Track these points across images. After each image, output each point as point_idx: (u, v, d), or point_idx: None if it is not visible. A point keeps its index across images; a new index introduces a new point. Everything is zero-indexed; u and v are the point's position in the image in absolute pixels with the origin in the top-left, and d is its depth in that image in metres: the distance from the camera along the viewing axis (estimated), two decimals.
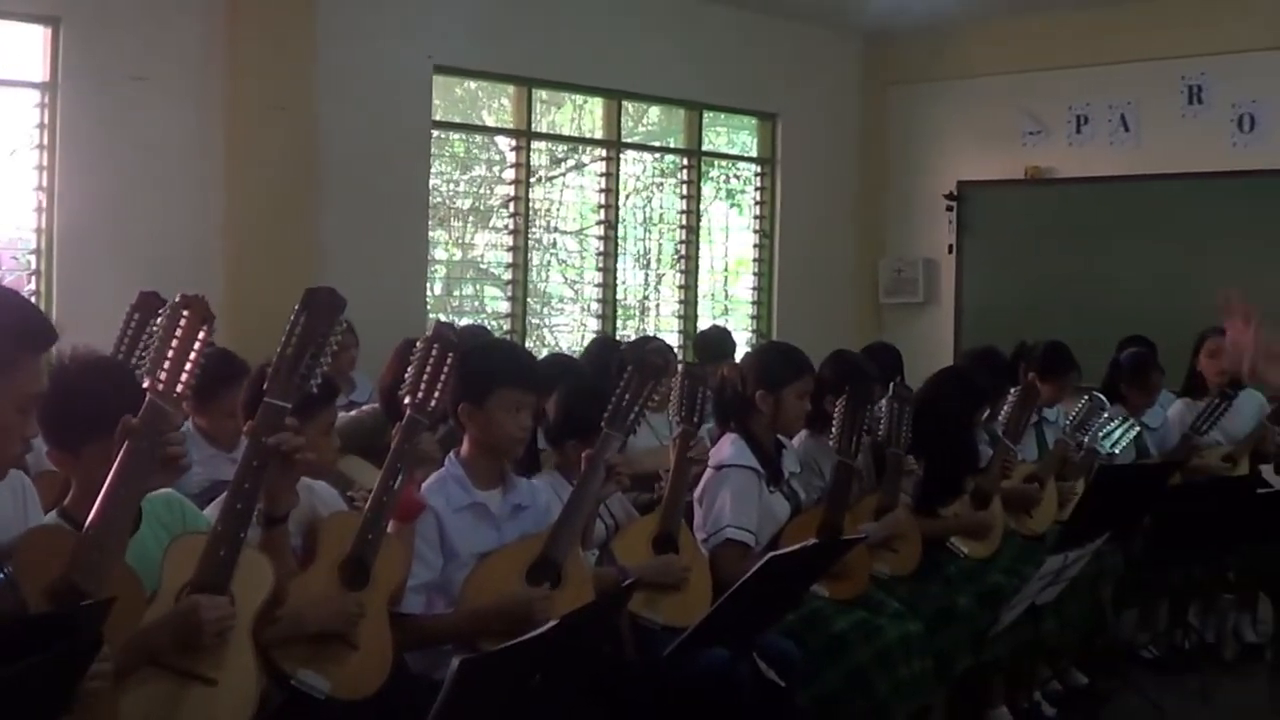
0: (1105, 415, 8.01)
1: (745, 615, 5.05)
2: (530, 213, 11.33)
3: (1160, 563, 7.89)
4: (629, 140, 12.17)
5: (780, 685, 5.31)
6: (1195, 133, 11.82)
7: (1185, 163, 11.72)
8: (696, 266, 12.57)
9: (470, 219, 11.42)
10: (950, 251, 13.02)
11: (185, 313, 3.67)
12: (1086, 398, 7.99)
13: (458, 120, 11.20)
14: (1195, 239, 11.57)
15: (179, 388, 3.63)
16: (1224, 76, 11.69)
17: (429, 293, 10.81)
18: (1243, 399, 8.54)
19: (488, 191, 11.45)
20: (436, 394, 4.43)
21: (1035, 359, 8.37)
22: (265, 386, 3.91)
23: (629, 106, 12.12)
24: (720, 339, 9.64)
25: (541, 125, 11.67)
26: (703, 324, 11.99)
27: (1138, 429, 8.33)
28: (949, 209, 12.96)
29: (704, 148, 12.72)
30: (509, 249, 11.24)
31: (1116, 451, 8.08)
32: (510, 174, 11.28)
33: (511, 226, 11.22)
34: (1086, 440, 7.92)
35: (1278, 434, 8.69)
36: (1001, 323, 11.71)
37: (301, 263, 9.27)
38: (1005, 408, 7.40)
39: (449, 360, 4.45)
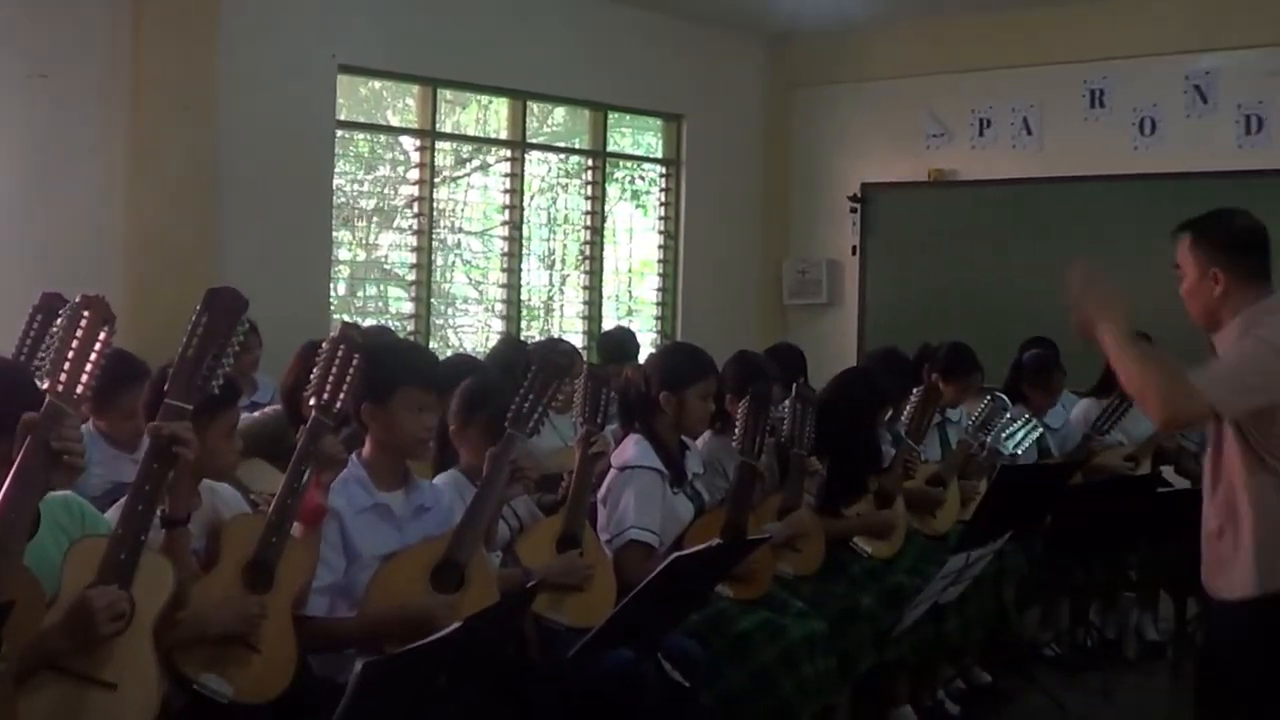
0: (1007, 416, 8.07)
1: (649, 616, 5.07)
2: (435, 213, 11.28)
3: (1062, 562, 7.96)
4: (534, 141, 12.13)
5: (684, 685, 5.33)
6: (1097, 136, 11.93)
7: (1087, 165, 11.83)
8: (601, 267, 12.56)
9: (374, 219, 11.36)
10: (854, 253, 13.06)
11: (86, 314, 3.64)
12: (989, 398, 8.05)
13: (362, 120, 11.13)
14: (1097, 241, 11.66)
15: (79, 389, 3.60)
16: (1125, 81, 11.80)
17: (333, 293, 10.74)
18: None
19: (392, 191, 11.39)
20: (341, 395, 4.41)
21: (938, 360, 8.41)
22: (166, 388, 3.89)
23: (534, 107, 12.09)
24: (624, 340, 9.64)
25: (446, 125, 11.64)
26: (607, 325, 11.98)
27: (1040, 429, 8.41)
28: (853, 211, 13.00)
29: (609, 148, 12.71)
30: (413, 249, 11.19)
31: (1019, 452, 8.15)
32: (415, 174, 11.22)
33: (416, 227, 11.17)
34: (989, 440, 7.98)
35: (1178, 435, 8.78)
36: (905, 324, 11.78)
37: (204, 263, 9.20)
38: (908, 408, 7.45)
39: (353, 361, 4.42)
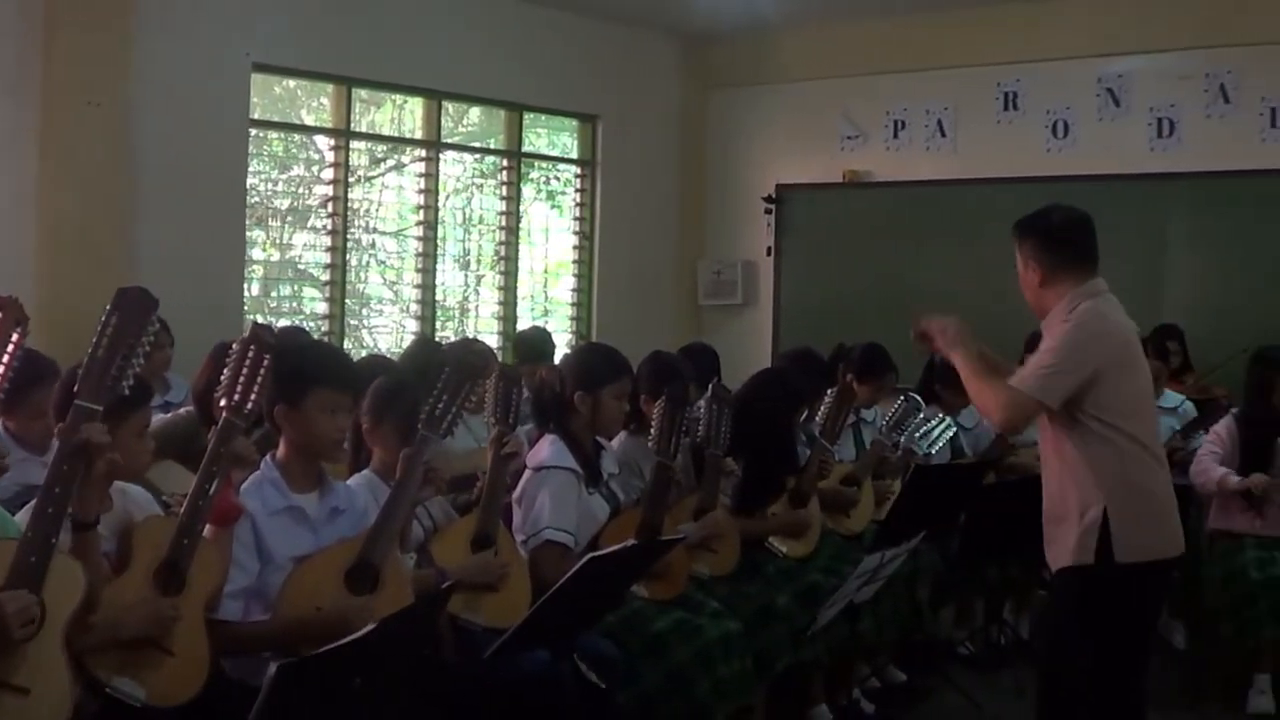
0: (921, 415, 8.13)
1: (565, 616, 5.06)
2: (349, 213, 11.23)
3: (976, 560, 8.01)
4: (449, 141, 12.11)
5: (600, 686, 5.33)
6: (1010, 138, 12.03)
7: (1000, 167, 11.91)
8: (516, 268, 12.53)
9: (288, 219, 11.30)
10: (769, 254, 13.10)
11: None
12: (903, 398, 8.10)
13: (276, 119, 11.07)
14: (1010, 243, 11.70)
15: None
16: (1039, 83, 11.91)
17: (246, 293, 10.67)
18: None
19: (306, 191, 11.33)
20: (253, 396, 4.37)
21: (852, 360, 8.45)
22: (76, 388, 3.85)
23: (449, 107, 12.07)
24: (539, 340, 9.62)
25: (361, 125, 11.58)
26: (522, 325, 11.96)
27: (954, 429, 8.45)
28: (768, 212, 13.04)
29: (524, 149, 12.68)
30: (327, 249, 11.13)
31: (933, 451, 8.20)
32: (329, 174, 11.17)
33: (330, 227, 11.11)
34: (903, 440, 8.03)
35: None
36: (819, 324, 11.83)
37: (116, 262, 9.13)
38: (823, 408, 7.46)
39: (265, 362, 4.39)
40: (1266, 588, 7.45)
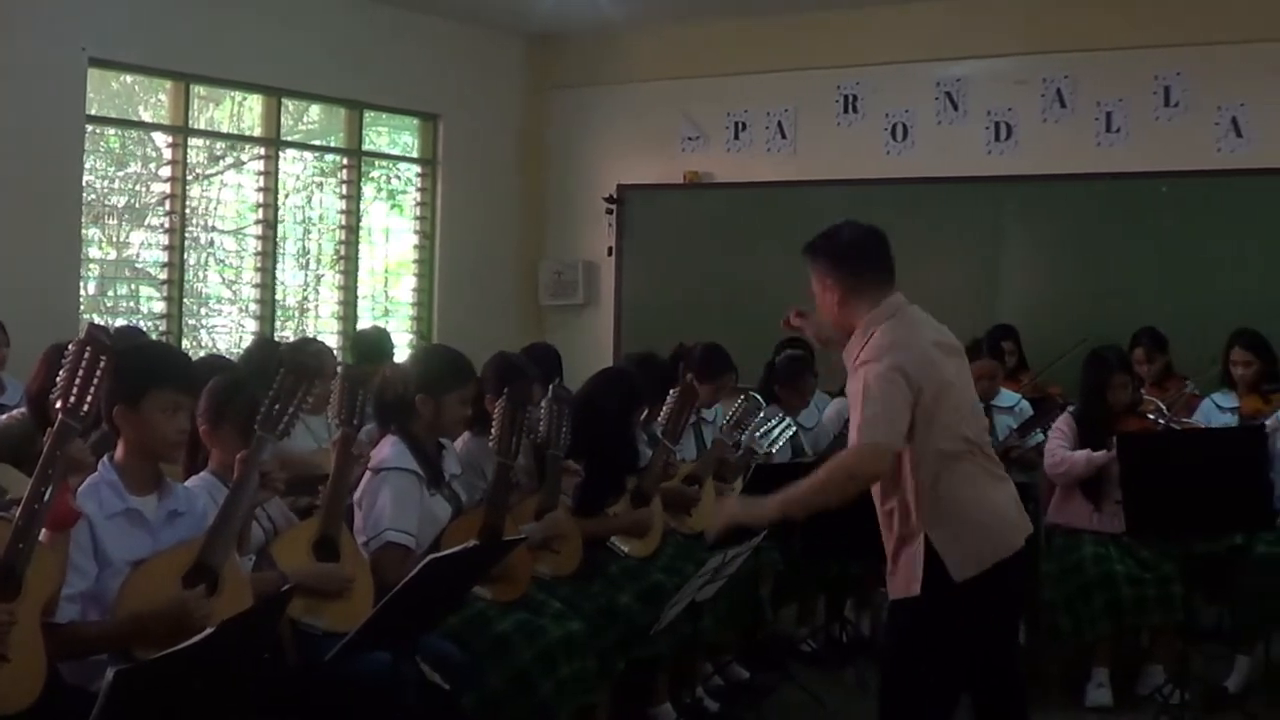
0: (762, 415, 8.18)
1: (407, 618, 5.04)
2: (187, 211, 11.11)
3: (817, 558, 8.09)
4: (289, 139, 12.01)
5: (444, 688, 5.31)
6: (850, 140, 12.17)
7: (840, 169, 12.05)
8: (357, 268, 12.47)
9: (125, 217, 11.14)
10: (610, 254, 13.15)
11: None
12: (743, 398, 8.14)
13: (113, 115, 10.91)
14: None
15: None
16: (878, 87, 12.06)
17: (82, 292, 10.52)
18: None
19: (144, 189, 11.18)
20: (89, 398, 4.31)
21: (693, 360, 8.49)
22: None
23: (289, 104, 11.97)
24: (378, 340, 9.53)
25: (200, 122, 11.44)
26: (363, 325, 11.91)
27: (794, 428, 8.51)
28: (609, 212, 13.09)
29: (365, 148, 12.62)
30: (165, 248, 11.00)
31: (773, 451, 8.24)
32: (167, 171, 11.04)
33: (168, 225, 10.98)
34: (744, 440, 8.07)
35: None
36: (661, 324, 11.88)
37: None
38: (664, 408, 7.48)
39: (101, 363, 4.33)
40: (1103, 582, 7.57)
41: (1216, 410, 8.82)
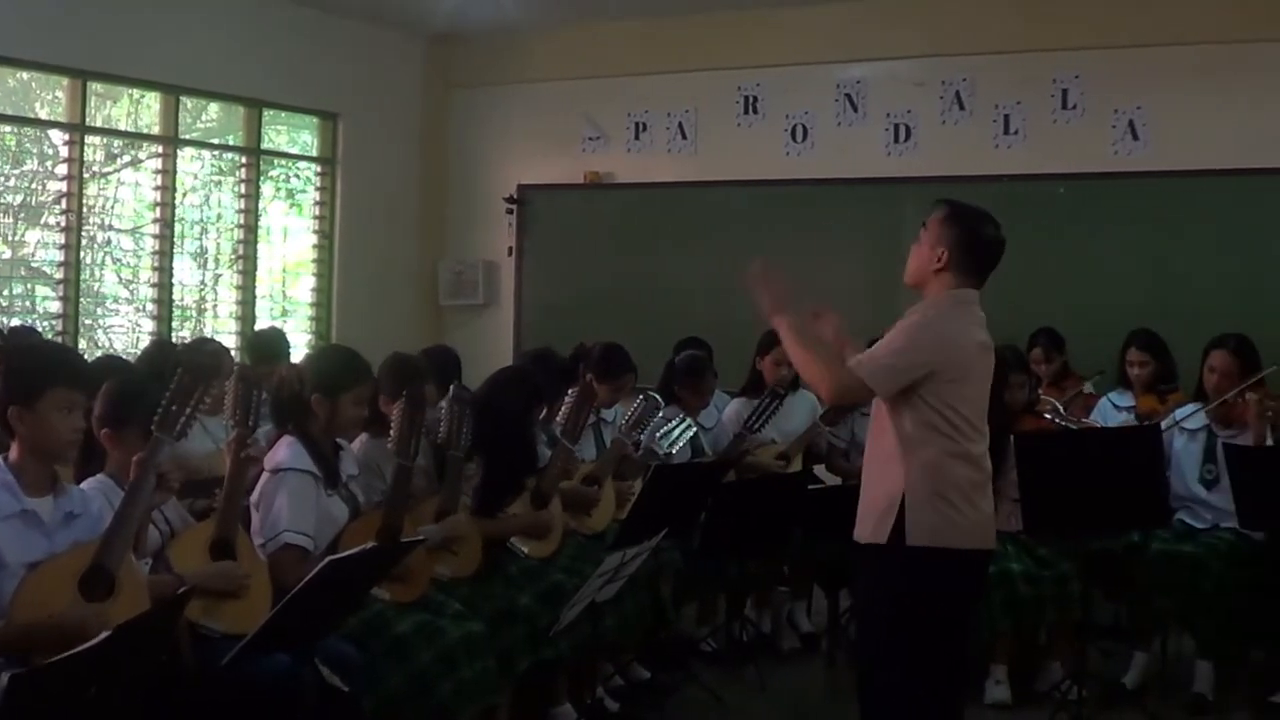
0: (661, 415, 8.19)
1: (305, 620, 5.01)
2: (84, 209, 11.00)
3: (717, 558, 8.12)
4: (187, 137, 11.92)
5: (343, 690, 5.28)
6: (750, 142, 12.21)
7: (740, 170, 12.10)
8: (255, 267, 12.38)
9: (21, 215, 11.03)
10: (510, 254, 13.14)
11: None
12: (642, 398, 8.14)
13: (9, 112, 10.79)
14: (750, 244, 11.87)
15: None
16: (779, 88, 12.11)
17: None
18: (795, 399, 8.86)
19: (39, 187, 11.07)
20: None
21: (593, 360, 8.49)
22: None
23: (187, 102, 11.88)
24: (274, 340, 9.47)
25: (96, 120, 11.31)
26: (262, 325, 11.84)
27: (694, 428, 8.52)
28: (509, 212, 13.08)
29: (264, 146, 12.54)
30: (61, 247, 10.88)
31: (673, 451, 8.26)
32: (63, 169, 10.92)
33: (64, 224, 10.87)
34: (643, 440, 8.08)
35: (828, 433, 9.03)
36: (561, 324, 11.87)
37: None
38: (564, 408, 7.48)
39: None
40: (1000, 581, 7.62)
41: (1113, 410, 8.93)
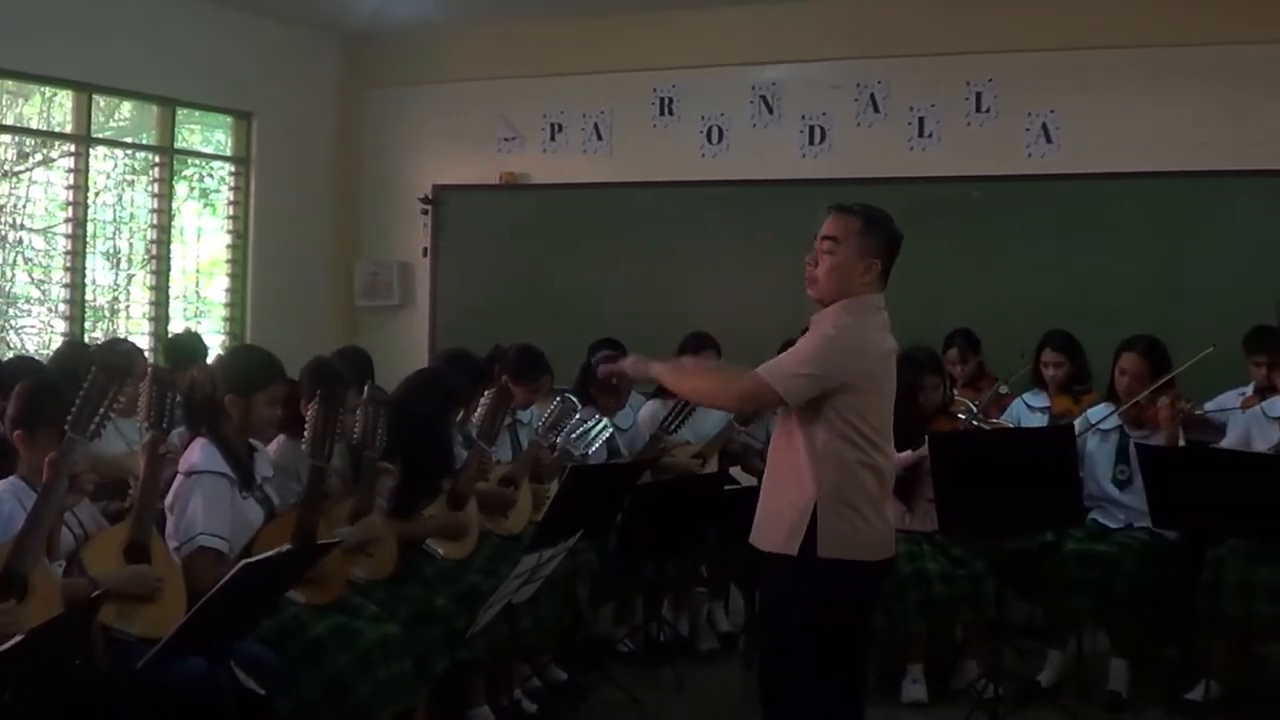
0: (577, 416, 8.20)
1: (221, 623, 5.00)
2: None
3: (634, 558, 8.13)
4: (99, 136, 11.82)
5: (259, 693, 5.27)
6: (666, 143, 12.24)
7: (656, 171, 12.13)
8: (169, 267, 12.28)
9: None
10: (425, 254, 13.12)
11: None
12: (559, 399, 8.16)
13: None
14: (666, 245, 11.98)
15: None
16: (694, 90, 12.15)
17: None
18: None
19: None
20: None
21: (509, 361, 8.49)
22: None
23: (100, 101, 11.78)
24: (191, 343, 9.41)
25: (7, 118, 11.24)
26: (176, 326, 11.78)
27: (610, 429, 8.54)
28: (425, 212, 13.06)
29: (177, 145, 12.43)
30: None
31: (589, 452, 8.28)
32: None
33: None
34: (559, 441, 8.09)
35: (743, 434, 9.07)
36: (477, 325, 11.85)
37: None
38: (480, 409, 7.48)
39: None
40: (915, 580, 7.67)
41: (1027, 410, 8.99)
